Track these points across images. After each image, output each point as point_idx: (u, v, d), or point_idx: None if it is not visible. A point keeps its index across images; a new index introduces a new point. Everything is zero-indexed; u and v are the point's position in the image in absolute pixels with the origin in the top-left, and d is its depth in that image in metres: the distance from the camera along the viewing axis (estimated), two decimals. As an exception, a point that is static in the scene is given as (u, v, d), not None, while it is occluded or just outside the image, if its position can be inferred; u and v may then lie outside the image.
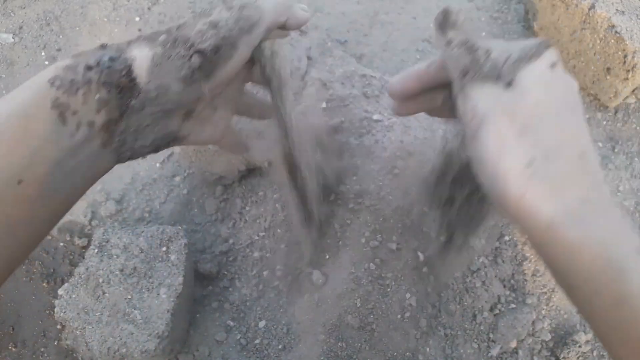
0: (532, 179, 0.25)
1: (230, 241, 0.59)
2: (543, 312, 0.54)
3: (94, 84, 0.27)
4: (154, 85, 0.28)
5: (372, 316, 0.53)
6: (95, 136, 0.28)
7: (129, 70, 0.28)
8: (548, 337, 0.53)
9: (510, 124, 0.26)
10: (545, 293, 0.55)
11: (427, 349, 0.53)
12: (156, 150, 0.32)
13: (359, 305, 0.52)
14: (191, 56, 0.28)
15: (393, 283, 0.53)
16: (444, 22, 0.34)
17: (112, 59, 0.28)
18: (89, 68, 0.27)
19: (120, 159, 0.30)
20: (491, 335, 0.53)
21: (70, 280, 0.49)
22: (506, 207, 0.26)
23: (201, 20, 0.29)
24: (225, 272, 0.58)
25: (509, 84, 0.27)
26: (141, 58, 0.29)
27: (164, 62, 0.28)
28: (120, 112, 0.28)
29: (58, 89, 0.26)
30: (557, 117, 0.27)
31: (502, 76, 0.27)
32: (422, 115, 0.55)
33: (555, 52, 0.29)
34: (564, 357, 0.53)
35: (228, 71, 0.30)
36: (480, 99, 0.27)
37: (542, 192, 0.25)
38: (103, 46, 0.30)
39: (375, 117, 0.56)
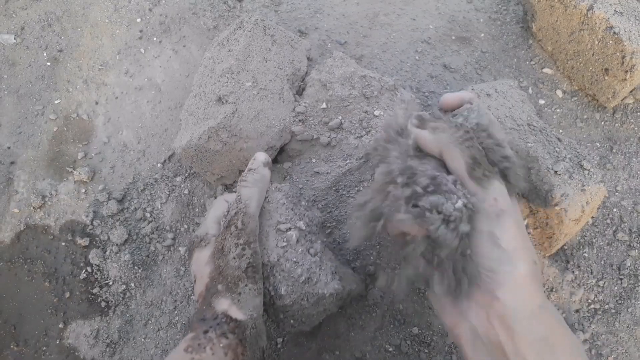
0: (534, 274, 0.35)
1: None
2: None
3: (216, 339, 0.38)
4: (249, 312, 0.40)
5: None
6: None
7: (229, 316, 0.39)
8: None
9: (518, 229, 0.35)
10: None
11: (426, 350, 0.53)
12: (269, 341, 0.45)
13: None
14: (247, 274, 0.41)
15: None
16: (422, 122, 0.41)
17: (214, 319, 0.39)
18: (205, 332, 0.38)
19: None
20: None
21: None
22: (502, 281, 0.34)
23: (228, 257, 0.41)
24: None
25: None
26: (228, 305, 0.40)
27: (241, 297, 0.40)
28: (243, 345, 0.39)
29: (191, 352, 0.37)
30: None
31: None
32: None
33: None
34: (562, 356, 0.53)
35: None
36: (501, 195, 0.36)
37: (538, 285, 0.35)
38: (202, 318, 0.40)
39: (376, 112, 0.57)
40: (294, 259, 0.43)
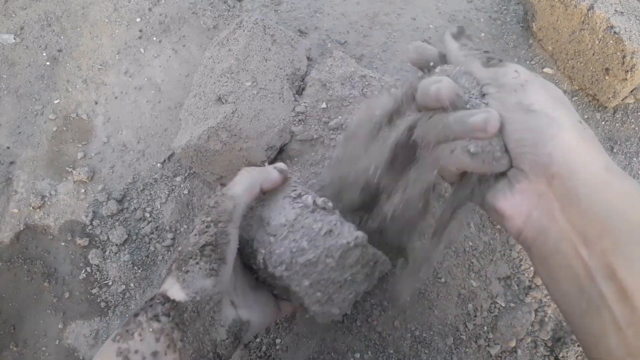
0: (584, 134, 0.29)
1: (231, 241, 0.59)
2: (542, 311, 0.54)
3: (145, 323, 0.33)
4: (192, 293, 0.35)
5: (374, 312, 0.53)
6: None
7: (166, 297, 0.35)
8: (547, 336, 0.54)
9: (548, 92, 0.31)
10: (545, 293, 0.55)
11: (426, 350, 0.53)
12: (239, 339, 0.37)
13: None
14: (202, 254, 0.36)
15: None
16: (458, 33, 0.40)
17: (150, 300, 0.35)
18: (135, 315, 0.34)
19: None
20: (490, 335, 0.54)
21: None
22: (551, 151, 0.29)
23: (192, 233, 0.37)
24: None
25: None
26: (171, 284, 0.36)
27: (187, 276, 0.35)
28: (180, 329, 0.33)
29: (118, 341, 0.33)
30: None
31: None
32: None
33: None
34: (562, 357, 0.53)
35: (232, 252, 0.38)
36: (521, 68, 0.33)
37: (593, 146, 0.29)
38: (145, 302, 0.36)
39: (376, 112, 0.57)
40: (313, 217, 0.41)
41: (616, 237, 0.27)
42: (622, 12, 0.58)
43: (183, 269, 0.35)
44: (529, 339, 0.54)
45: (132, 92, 0.70)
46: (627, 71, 0.58)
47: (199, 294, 0.35)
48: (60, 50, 0.74)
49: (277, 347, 0.54)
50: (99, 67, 0.72)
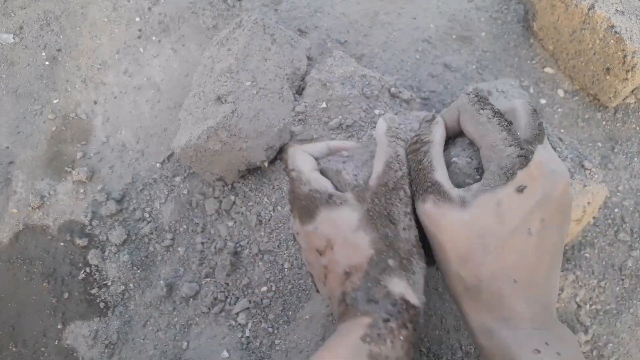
0: (477, 296, 0.33)
1: (231, 241, 0.59)
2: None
3: (396, 330, 0.33)
4: (421, 294, 0.35)
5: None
6: None
7: (407, 302, 0.34)
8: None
9: (464, 241, 0.33)
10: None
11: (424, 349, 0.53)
12: None
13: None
14: (418, 248, 0.36)
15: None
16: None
17: (393, 304, 0.33)
18: (386, 321, 0.33)
19: None
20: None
21: None
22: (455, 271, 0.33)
23: (399, 227, 0.36)
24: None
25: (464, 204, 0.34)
26: (404, 287, 0.34)
27: (415, 276, 0.35)
28: (417, 335, 0.34)
29: (370, 343, 0.32)
30: (502, 244, 0.33)
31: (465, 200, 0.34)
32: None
33: (527, 174, 0.33)
34: (563, 357, 0.53)
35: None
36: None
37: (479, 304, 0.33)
38: (371, 299, 0.34)
39: (376, 112, 0.57)
40: None
41: None
42: (622, 12, 0.58)
43: (410, 269, 0.34)
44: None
45: (131, 91, 0.70)
46: (628, 71, 0.57)
47: (424, 295, 0.35)
48: (59, 50, 0.74)
49: (277, 348, 0.54)
50: (98, 66, 0.72)
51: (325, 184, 0.37)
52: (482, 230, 0.33)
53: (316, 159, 0.41)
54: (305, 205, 0.37)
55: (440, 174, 0.35)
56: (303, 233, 0.38)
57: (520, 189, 0.33)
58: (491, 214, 0.33)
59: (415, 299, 0.34)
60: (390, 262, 0.34)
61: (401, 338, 0.32)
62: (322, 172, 0.40)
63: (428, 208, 0.34)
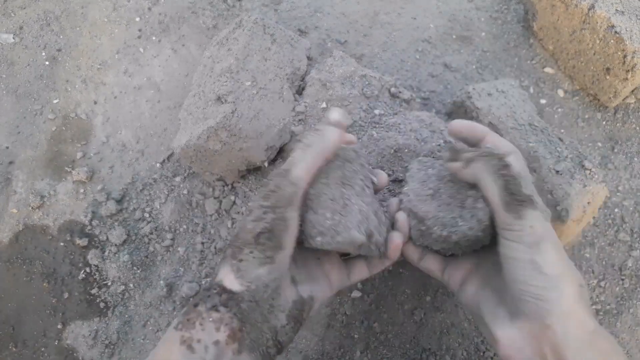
0: (580, 299, 0.34)
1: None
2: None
3: (205, 313, 0.34)
4: (246, 283, 0.34)
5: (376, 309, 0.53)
6: (224, 349, 0.33)
7: (223, 287, 0.35)
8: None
9: (558, 253, 0.35)
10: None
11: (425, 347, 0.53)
12: (300, 321, 0.37)
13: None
14: (257, 240, 0.35)
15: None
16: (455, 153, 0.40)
17: (207, 290, 0.35)
18: (195, 305, 0.34)
19: (267, 354, 0.35)
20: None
21: None
22: (550, 308, 0.33)
23: (248, 218, 0.36)
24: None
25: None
26: (226, 274, 0.35)
27: (241, 265, 0.35)
28: (239, 319, 0.34)
29: (181, 329, 0.33)
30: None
31: (546, 212, 0.36)
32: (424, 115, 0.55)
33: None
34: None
35: (292, 236, 0.36)
36: (537, 221, 0.35)
37: (586, 310, 0.34)
38: (203, 288, 0.36)
39: (376, 111, 0.57)
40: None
41: None
42: (622, 12, 0.58)
43: (238, 257, 0.35)
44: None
45: (131, 91, 0.70)
46: (628, 71, 0.57)
47: (253, 283, 0.34)
48: (59, 50, 0.74)
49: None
50: (98, 66, 0.72)
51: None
52: None
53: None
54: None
55: None
56: None
57: None
58: None
59: (234, 283, 0.34)
60: (228, 251, 0.36)
61: (210, 320, 0.33)
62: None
63: None
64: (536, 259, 0.34)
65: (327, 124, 0.39)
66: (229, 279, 0.35)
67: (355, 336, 0.54)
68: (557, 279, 0.34)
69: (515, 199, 0.35)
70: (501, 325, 0.35)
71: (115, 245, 0.61)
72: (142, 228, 0.62)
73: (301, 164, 0.36)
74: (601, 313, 0.56)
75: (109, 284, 0.60)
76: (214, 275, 0.36)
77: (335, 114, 0.40)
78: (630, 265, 0.57)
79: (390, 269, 0.55)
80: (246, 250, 0.35)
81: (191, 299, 0.36)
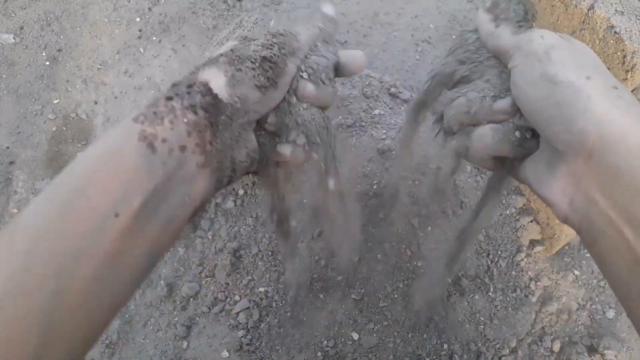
0: (618, 101, 0.26)
1: (231, 241, 0.59)
2: (543, 313, 0.54)
3: (179, 111, 0.28)
4: (235, 96, 0.30)
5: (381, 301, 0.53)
6: (189, 159, 0.28)
7: (208, 89, 0.29)
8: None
9: (575, 58, 0.29)
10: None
11: (427, 347, 0.53)
12: (253, 167, 0.33)
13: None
14: (261, 64, 0.31)
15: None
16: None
17: (189, 86, 0.29)
18: (169, 99, 0.29)
19: (220, 181, 0.30)
20: (491, 335, 0.53)
21: None
22: (583, 126, 0.26)
23: (253, 42, 0.32)
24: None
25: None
26: (215, 76, 0.30)
27: (237, 75, 0.30)
28: (213, 131, 0.29)
29: (142, 123, 0.27)
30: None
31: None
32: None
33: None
34: (563, 357, 0.53)
35: (285, 84, 0.33)
36: (547, 33, 0.31)
37: (630, 114, 0.26)
38: (175, 84, 0.30)
39: (376, 111, 0.57)
40: None
41: None
42: (622, 12, 0.58)
43: (237, 65, 0.30)
44: (529, 340, 0.53)
45: (131, 91, 0.70)
46: (628, 71, 0.57)
47: (240, 102, 0.30)
48: (59, 50, 0.74)
49: (277, 347, 0.54)
50: (99, 66, 0.72)
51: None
52: None
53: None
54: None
55: None
56: None
57: None
58: None
59: (222, 89, 0.29)
60: (221, 58, 0.31)
61: (185, 121, 0.28)
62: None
63: None
64: (548, 70, 0.28)
65: (324, 17, 0.37)
66: (218, 84, 0.29)
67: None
68: (577, 87, 0.26)
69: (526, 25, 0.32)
70: (545, 183, 0.29)
71: (116, 245, 0.61)
72: (143, 228, 0.62)
73: (307, 38, 0.35)
74: (601, 313, 0.56)
75: (109, 283, 0.60)
76: (192, 72, 0.31)
77: (331, 11, 0.37)
78: (630, 265, 0.57)
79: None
80: (249, 64, 0.30)
81: (164, 91, 0.30)
